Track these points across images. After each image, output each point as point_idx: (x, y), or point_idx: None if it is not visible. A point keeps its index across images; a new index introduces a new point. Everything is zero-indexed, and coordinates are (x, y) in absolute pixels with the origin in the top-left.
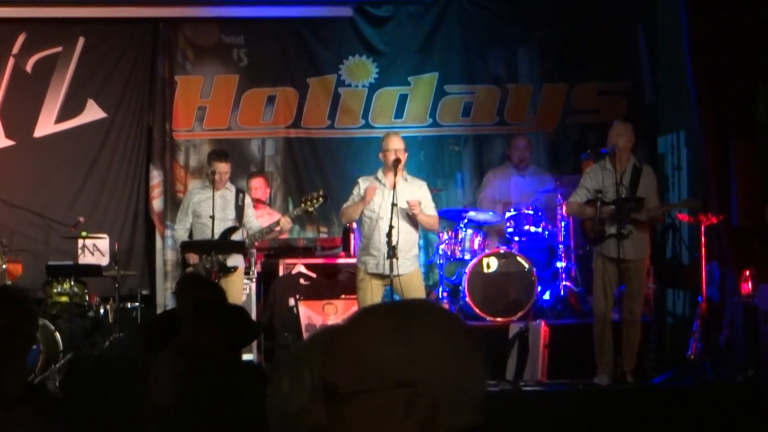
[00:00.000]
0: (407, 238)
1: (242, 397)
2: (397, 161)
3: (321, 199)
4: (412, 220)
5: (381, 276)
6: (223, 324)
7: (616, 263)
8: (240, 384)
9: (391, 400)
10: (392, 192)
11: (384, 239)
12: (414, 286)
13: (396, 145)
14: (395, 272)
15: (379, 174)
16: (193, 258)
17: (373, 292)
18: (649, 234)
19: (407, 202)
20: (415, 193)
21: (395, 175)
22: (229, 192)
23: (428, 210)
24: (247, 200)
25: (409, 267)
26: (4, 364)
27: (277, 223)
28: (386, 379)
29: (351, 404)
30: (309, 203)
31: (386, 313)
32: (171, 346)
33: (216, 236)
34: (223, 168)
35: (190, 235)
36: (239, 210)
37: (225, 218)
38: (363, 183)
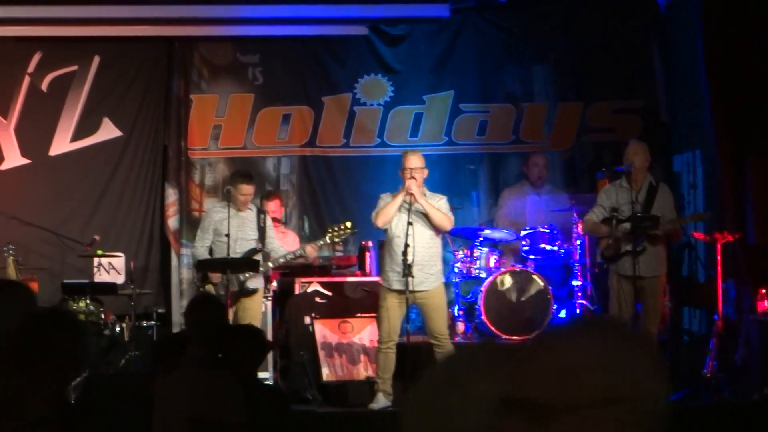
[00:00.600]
0: (429, 253)
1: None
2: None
3: (349, 230)
4: (434, 235)
5: (403, 292)
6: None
7: (631, 281)
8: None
9: (603, 416)
10: (408, 210)
11: (411, 256)
12: (436, 303)
13: (412, 164)
14: (417, 288)
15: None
16: (215, 277)
17: (395, 308)
18: (666, 252)
19: (410, 194)
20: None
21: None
22: (250, 212)
23: (435, 203)
24: (268, 221)
25: (433, 283)
26: (39, 382)
27: (303, 250)
28: (598, 395)
29: (560, 422)
30: (336, 233)
31: (587, 329)
32: (197, 365)
33: (236, 256)
34: (248, 190)
35: (211, 254)
36: (261, 231)
37: (246, 238)
38: (385, 198)
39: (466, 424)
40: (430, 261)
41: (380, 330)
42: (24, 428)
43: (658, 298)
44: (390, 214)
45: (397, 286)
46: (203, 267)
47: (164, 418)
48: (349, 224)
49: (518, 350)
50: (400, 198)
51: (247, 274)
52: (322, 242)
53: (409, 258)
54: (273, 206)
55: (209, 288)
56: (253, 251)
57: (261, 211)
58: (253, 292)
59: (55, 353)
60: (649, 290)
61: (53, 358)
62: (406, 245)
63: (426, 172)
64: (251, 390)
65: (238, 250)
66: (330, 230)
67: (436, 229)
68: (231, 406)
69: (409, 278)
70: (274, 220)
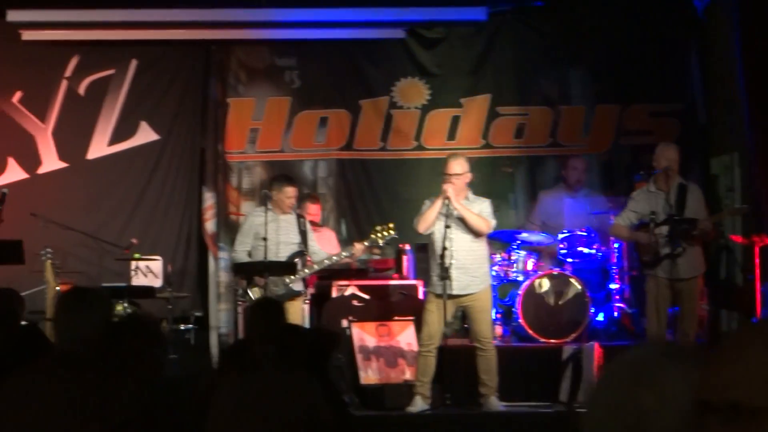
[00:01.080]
0: (473, 257)
1: None
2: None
3: (392, 231)
4: (474, 239)
5: (449, 296)
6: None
7: (669, 284)
8: None
9: None
10: (446, 215)
11: (449, 259)
12: (482, 306)
13: (450, 170)
14: (462, 292)
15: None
16: (259, 280)
17: (437, 310)
18: (703, 252)
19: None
20: (476, 210)
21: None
22: (291, 215)
23: (472, 208)
24: (308, 225)
25: (478, 286)
26: (121, 386)
27: (349, 252)
28: None
29: (762, 424)
30: (380, 235)
31: None
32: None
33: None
34: (293, 192)
35: (250, 258)
36: (303, 235)
37: (289, 242)
38: (428, 204)
39: (659, 424)
40: (474, 264)
41: (421, 333)
42: (107, 431)
43: (695, 301)
44: (430, 219)
45: (440, 290)
46: (241, 270)
47: (235, 420)
48: (391, 225)
49: (709, 350)
50: (438, 203)
51: (291, 277)
52: (367, 243)
53: (447, 261)
54: (314, 209)
55: (254, 291)
56: (299, 254)
57: (300, 215)
58: (297, 294)
59: (136, 357)
60: (687, 293)
61: (134, 362)
62: (444, 248)
63: (468, 176)
64: (328, 388)
65: (281, 255)
66: (374, 231)
67: (476, 233)
68: (315, 404)
69: (453, 282)
70: (312, 223)
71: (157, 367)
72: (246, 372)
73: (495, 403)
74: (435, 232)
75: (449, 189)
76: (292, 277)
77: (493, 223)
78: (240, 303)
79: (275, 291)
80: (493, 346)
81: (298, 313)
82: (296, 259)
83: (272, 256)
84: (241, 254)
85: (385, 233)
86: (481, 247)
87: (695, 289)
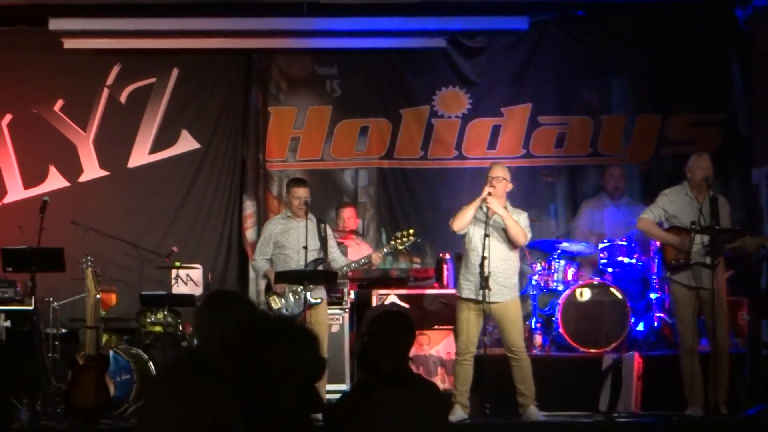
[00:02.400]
0: (505, 266)
1: None
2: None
3: (412, 237)
4: (510, 249)
5: (477, 302)
6: None
7: (699, 292)
8: None
9: None
10: (485, 223)
11: (488, 268)
12: (511, 316)
13: (493, 173)
14: (491, 299)
15: (484, 189)
16: (279, 287)
17: (471, 319)
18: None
19: (485, 200)
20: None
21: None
22: (311, 222)
23: (515, 218)
24: (329, 231)
25: (506, 295)
26: (223, 389)
27: (368, 259)
28: None
29: None
30: (399, 241)
31: None
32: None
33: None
34: (301, 192)
35: (271, 265)
36: (323, 241)
37: (310, 248)
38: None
39: None
40: (505, 273)
41: (458, 342)
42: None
43: (725, 309)
44: (466, 218)
45: (468, 294)
46: (282, 278)
47: None
48: (412, 231)
49: None
50: (477, 202)
51: (310, 286)
52: (387, 249)
53: (486, 270)
54: (348, 213)
55: (273, 299)
56: (320, 261)
57: (321, 221)
58: (316, 304)
59: (262, 364)
60: (714, 302)
61: (258, 369)
62: (483, 257)
63: (509, 185)
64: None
65: (302, 262)
66: (394, 238)
67: (513, 243)
68: (441, 418)
69: (487, 291)
70: (350, 231)
71: (284, 378)
72: (395, 387)
73: (535, 413)
74: (472, 238)
75: (489, 190)
76: (311, 285)
77: (529, 235)
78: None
79: (296, 299)
80: (526, 355)
81: (323, 322)
82: (320, 267)
83: (294, 264)
84: (262, 262)
85: (405, 239)
86: (514, 257)
87: (724, 296)
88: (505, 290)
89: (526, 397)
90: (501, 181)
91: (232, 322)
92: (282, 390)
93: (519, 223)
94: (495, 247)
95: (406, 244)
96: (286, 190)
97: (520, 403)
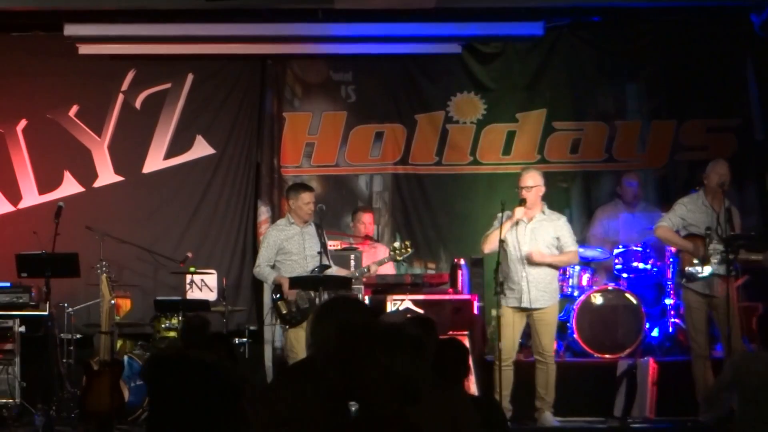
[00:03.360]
0: (545, 272)
1: None
2: (523, 201)
3: (409, 249)
4: (550, 253)
5: (520, 309)
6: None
7: (712, 300)
8: None
9: None
10: (514, 229)
11: (521, 273)
12: (548, 320)
13: (523, 182)
14: (532, 306)
15: (516, 210)
16: (290, 294)
17: (514, 325)
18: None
19: (526, 256)
20: (552, 227)
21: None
22: (311, 227)
23: (567, 246)
24: (325, 237)
25: (548, 301)
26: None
27: (368, 269)
28: None
29: None
30: (398, 252)
31: None
32: None
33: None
34: (310, 197)
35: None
36: (324, 246)
37: (314, 254)
38: (500, 215)
39: None
40: (545, 279)
41: (501, 348)
42: None
43: (738, 314)
44: (495, 242)
45: (513, 303)
46: (298, 284)
47: None
48: (408, 243)
49: None
50: (507, 225)
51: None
52: (386, 260)
53: (501, 276)
54: (368, 218)
55: (281, 304)
56: (326, 267)
57: (319, 226)
58: None
59: (369, 371)
60: (727, 311)
61: (358, 373)
62: (498, 263)
63: (542, 189)
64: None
65: (308, 268)
66: (393, 249)
67: (550, 246)
68: (472, 422)
69: (524, 294)
70: (366, 237)
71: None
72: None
73: (549, 418)
74: (509, 246)
75: (519, 213)
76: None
77: (576, 247)
78: (273, 322)
79: (300, 305)
80: (553, 361)
81: None
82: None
83: (300, 270)
84: (267, 269)
85: (403, 251)
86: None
87: (736, 302)
88: (546, 296)
89: (544, 401)
90: (531, 189)
91: (337, 328)
92: (381, 394)
93: (562, 237)
94: (534, 250)
95: (404, 256)
96: (291, 195)
97: (537, 407)
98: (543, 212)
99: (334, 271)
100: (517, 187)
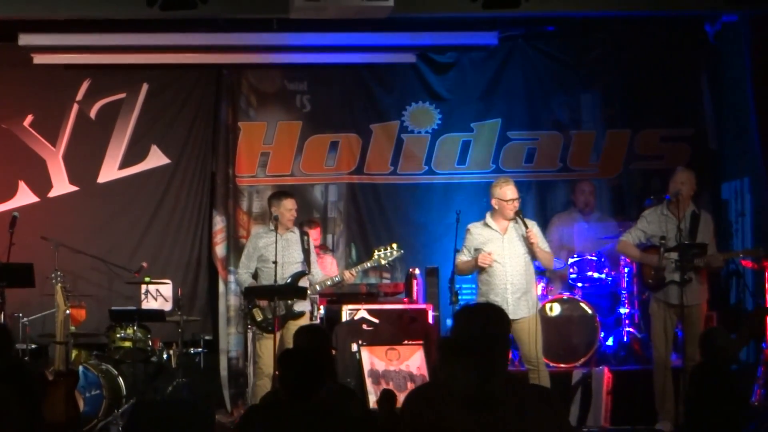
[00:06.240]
0: (527, 279)
1: None
2: (519, 212)
3: (396, 252)
4: (529, 261)
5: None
6: None
7: (675, 309)
8: None
9: None
10: (494, 244)
11: (505, 285)
12: (531, 329)
13: (513, 194)
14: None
15: (488, 220)
16: (262, 301)
17: None
18: (707, 280)
19: (526, 233)
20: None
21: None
22: (293, 234)
23: (543, 245)
24: (311, 243)
25: (529, 310)
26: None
27: (341, 276)
28: None
29: None
30: (382, 254)
31: None
32: None
33: (284, 280)
34: (293, 204)
35: (255, 278)
36: (306, 253)
37: (292, 261)
38: (474, 230)
39: None
40: (525, 287)
41: None
42: None
43: (699, 325)
44: (467, 274)
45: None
46: (251, 295)
47: None
48: (395, 245)
49: None
50: (480, 263)
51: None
52: (369, 264)
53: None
54: (314, 234)
55: (256, 312)
56: (302, 274)
57: (304, 233)
58: (300, 315)
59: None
60: (691, 318)
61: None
62: (453, 273)
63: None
64: None
65: (286, 275)
66: (377, 251)
67: (531, 255)
68: None
69: (512, 307)
70: (316, 246)
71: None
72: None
73: None
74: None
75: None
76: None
77: (550, 250)
78: (249, 327)
79: (277, 312)
80: (545, 369)
81: None
82: (302, 279)
83: (278, 277)
84: (245, 276)
85: (388, 253)
86: (532, 269)
87: (699, 314)
88: (526, 304)
89: None
90: (516, 201)
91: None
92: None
93: (542, 240)
94: (513, 261)
95: (390, 258)
96: (273, 203)
97: None
98: (515, 221)
99: (319, 277)
100: (500, 198)
